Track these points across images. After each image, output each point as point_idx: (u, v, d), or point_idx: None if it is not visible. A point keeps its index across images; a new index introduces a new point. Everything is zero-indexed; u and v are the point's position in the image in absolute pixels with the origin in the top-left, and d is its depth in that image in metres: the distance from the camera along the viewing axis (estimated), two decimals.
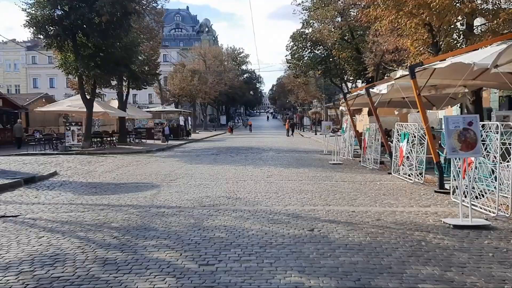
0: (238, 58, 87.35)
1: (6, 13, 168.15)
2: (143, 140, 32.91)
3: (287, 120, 51.20)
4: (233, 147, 26.98)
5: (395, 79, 11.02)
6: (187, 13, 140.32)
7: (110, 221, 7.14)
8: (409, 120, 20.81)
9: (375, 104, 13.49)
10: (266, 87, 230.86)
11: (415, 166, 10.94)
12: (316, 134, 45.62)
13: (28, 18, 21.64)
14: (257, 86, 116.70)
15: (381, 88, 11.66)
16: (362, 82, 29.18)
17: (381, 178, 12.21)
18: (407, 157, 11.37)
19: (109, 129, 33.93)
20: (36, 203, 9.11)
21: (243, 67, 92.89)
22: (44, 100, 33.20)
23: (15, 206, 8.74)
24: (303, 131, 57.95)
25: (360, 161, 16.84)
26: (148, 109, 41.65)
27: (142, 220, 7.16)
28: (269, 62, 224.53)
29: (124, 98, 30.67)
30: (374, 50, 22.50)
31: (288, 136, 44.96)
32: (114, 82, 29.55)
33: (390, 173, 12.77)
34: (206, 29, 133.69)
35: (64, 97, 39.78)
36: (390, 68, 25.25)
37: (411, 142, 11.19)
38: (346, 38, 28.45)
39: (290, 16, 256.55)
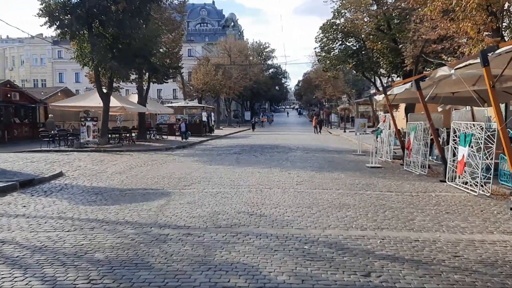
0: (264, 53, 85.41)
1: (33, 8, 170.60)
2: (164, 137, 31.54)
3: (314, 117, 49.08)
4: (257, 145, 25.20)
5: (455, 68, 8.96)
6: (213, 7, 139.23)
7: (95, 248, 5.45)
8: (454, 117, 18.58)
9: (425, 99, 11.43)
10: (291, 83, 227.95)
11: (480, 175, 8.89)
12: (345, 131, 43.41)
13: (42, 6, 20.35)
14: (283, 81, 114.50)
15: (442, 73, 9.53)
16: (398, 76, 26.88)
17: (434, 187, 10.18)
18: (468, 163, 9.33)
19: (131, 125, 32.73)
20: (21, 215, 7.54)
21: (269, 62, 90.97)
22: (60, 94, 32.12)
23: None
24: (331, 128, 55.67)
25: (402, 164, 14.81)
26: (169, 104, 40.24)
27: (136, 248, 5.44)
28: (294, 58, 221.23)
29: (145, 92, 29.27)
30: (415, 39, 20.24)
31: (316, 133, 42.88)
32: (133, 76, 28.25)
33: (444, 181, 10.74)
34: (232, 23, 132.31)
35: (86, 91, 38.83)
36: (432, 60, 22.99)
37: (474, 145, 9.14)
38: (381, 28, 26.18)
39: (316, 11, 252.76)
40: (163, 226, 6.53)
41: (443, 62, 22.51)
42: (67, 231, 6.35)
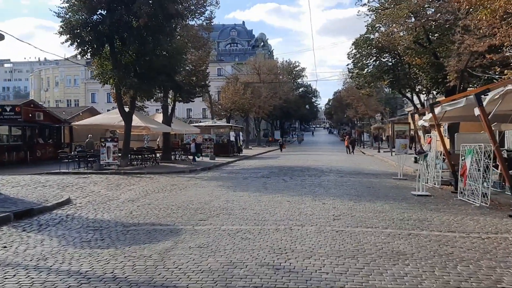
0: (294, 72, 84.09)
1: None
2: (190, 157, 30.24)
3: (346, 136, 47.01)
4: (286, 167, 23.49)
5: None
6: (243, 28, 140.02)
7: None
8: (509, 136, 16.41)
9: (489, 117, 9.52)
10: (321, 102, 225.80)
11: None
12: (379, 151, 41.15)
13: (62, 23, 19.61)
14: (313, 100, 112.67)
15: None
16: (438, 93, 24.74)
17: (506, 226, 8.19)
18: None
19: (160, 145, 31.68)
20: None
21: (299, 80, 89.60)
22: (84, 114, 31.45)
23: None
24: (364, 148, 53.33)
25: (453, 192, 12.80)
26: (196, 124, 39.16)
27: None
28: (324, 77, 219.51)
29: (170, 111, 28.19)
30: (460, 51, 18.29)
31: (348, 153, 40.81)
32: (158, 95, 27.26)
33: None
34: (262, 43, 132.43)
35: (112, 110, 38.25)
36: (479, 74, 20.89)
37: None
38: (420, 41, 24.27)
39: (343, 31, 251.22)
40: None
41: (493, 76, 20.42)
42: None
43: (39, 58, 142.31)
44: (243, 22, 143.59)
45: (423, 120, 15.49)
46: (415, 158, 25.88)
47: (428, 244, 6.70)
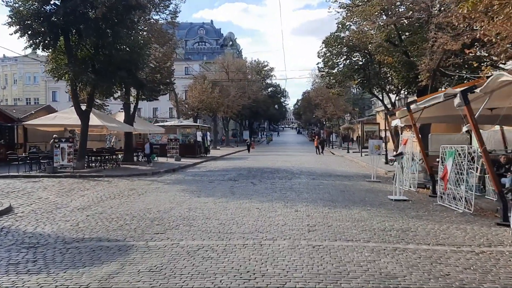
0: (263, 72, 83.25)
1: None
2: (155, 158, 28.78)
3: (316, 137, 46.50)
4: (255, 169, 22.47)
5: None
6: (211, 26, 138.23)
7: None
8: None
9: (475, 116, 8.76)
10: (290, 102, 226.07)
11: None
12: (348, 152, 40.77)
13: (11, 13, 17.88)
14: (282, 100, 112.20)
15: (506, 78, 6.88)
16: (408, 93, 24.29)
17: (498, 237, 7.41)
18: None
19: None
20: None
21: (268, 81, 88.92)
22: (39, 112, 29.35)
23: None
24: (333, 148, 53.01)
25: (431, 196, 12.14)
26: (161, 124, 37.59)
27: None
28: (292, 77, 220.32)
29: (132, 110, 26.65)
30: (434, 50, 17.78)
31: (318, 154, 40.23)
32: (119, 93, 25.71)
33: (505, 225, 8.03)
34: (230, 42, 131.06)
35: (68, 108, 36.18)
36: (451, 73, 20.53)
37: None
38: (391, 40, 23.78)
39: (313, 32, 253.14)
40: None
41: (465, 75, 20.08)
42: None
43: None
44: (211, 21, 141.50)
45: (399, 119, 14.80)
46: (387, 159, 25.51)
47: (419, 263, 5.78)
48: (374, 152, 16.98)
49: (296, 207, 10.35)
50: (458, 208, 9.81)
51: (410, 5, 20.90)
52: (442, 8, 18.87)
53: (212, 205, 10.84)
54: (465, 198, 9.68)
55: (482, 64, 17.85)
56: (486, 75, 12.76)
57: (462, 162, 9.76)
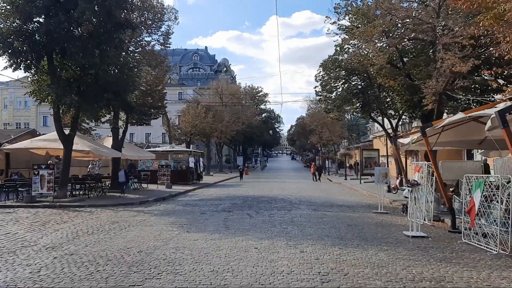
0: (257, 97, 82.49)
1: None
2: (144, 186, 27.20)
3: (313, 163, 45.18)
4: (251, 197, 20.99)
5: None
6: (206, 53, 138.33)
7: None
8: (496, 166, 14.70)
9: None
10: (284, 128, 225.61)
11: None
12: (346, 179, 39.42)
13: None
14: (276, 126, 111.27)
15: None
16: (413, 118, 23.12)
17: None
18: None
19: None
20: None
21: (262, 106, 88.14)
22: (22, 137, 27.76)
23: None
24: (329, 174, 51.63)
25: (451, 232, 10.74)
26: (152, 149, 36.11)
27: None
28: (287, 101, 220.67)
29: (122, 134, 25.26)
30: (443, 71, 16.70)
31: (315, 181, 38.85)
32: (108, 116, 24.38)
33: None
34: (224, 68, 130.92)
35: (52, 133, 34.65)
36: (459, 96, 19.45)
37: None
38: (393, 62, 22.75)
39: (304, 60, 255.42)
40: None
41: (475, 99, 18.99)
42: None
43: None
44: (206, 47, 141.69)
45: (412, 144, 13.52)
46: (389, 187, 24.11)
47: None
48: (380, 181, 15.62)
49: (301, 247, 8.88)
50: (491, 249, 8.40)
51: (413, 26, 19.85)
52: (446, 30, 17.94)
53: (203, 243, 9.35)
54: (499, 237, 8.29)
55: (495, 85, 16.82)
56: (510, 95, 11.62)
57: (493, 195, 8.41)
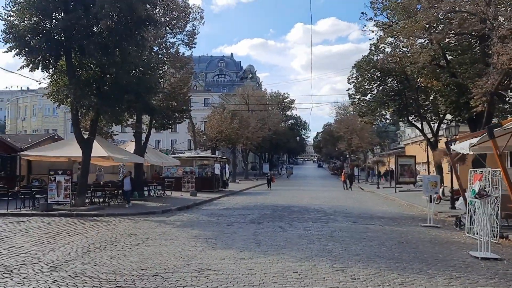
0: (283, 103, 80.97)
1: None
2: (168, 193, 25.97)
3: (343, 171, 43.19)
4: (280, 207, 19.40)
5: None
6: (231, 59, 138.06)
7: None
8: None
9: None
10: (310, 135, 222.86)
11: None
12: (378, 187, 37.30)
13: (6, 28, 15.72)
14: (302, 132, 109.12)
15: None
16: (459, 121, 21.01)
17: None
18: None
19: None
20: None
21: (288, 112, 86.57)
22: (45, 142, 27.01)
23: None
24: (359, 182, 49.41)
25: None
26: (177, 155, 34.95)
27: None
28: (319, 103, 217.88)
29: (144, 139, 24.15)
30: (498, 67, 14.80)
31: (346, 189, 36.88)
32: (131, 120, 23.27)
33: None
34: (250, 75, 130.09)
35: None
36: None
37: None
38: (437, 61, 20.86)
39: (329, 67, 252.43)
40: None
41: None
42: None
43: (21, 87, 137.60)
44: (231, 54, 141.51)
45: (471, 147, 11.71)
46: (431, 197, 22.07)
47: None
48: (430, 191, 13.77)
49: (351, 271, 7.26)
50: None
51: (460, 20, 17.85)
52: (501, 20, 16.01)
53: (231, 264, 7.84)
54: None
55: None
56: None
57: None
